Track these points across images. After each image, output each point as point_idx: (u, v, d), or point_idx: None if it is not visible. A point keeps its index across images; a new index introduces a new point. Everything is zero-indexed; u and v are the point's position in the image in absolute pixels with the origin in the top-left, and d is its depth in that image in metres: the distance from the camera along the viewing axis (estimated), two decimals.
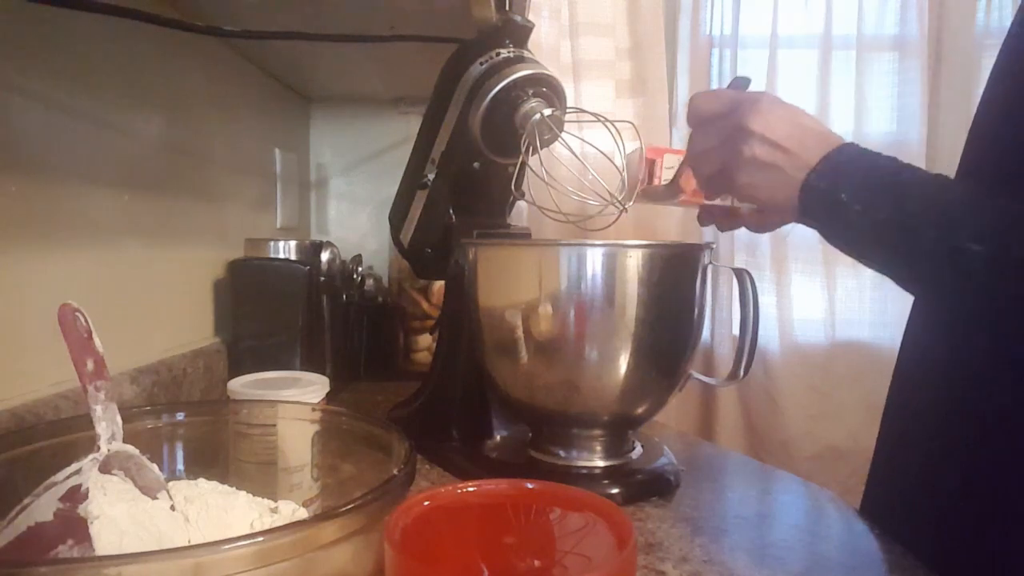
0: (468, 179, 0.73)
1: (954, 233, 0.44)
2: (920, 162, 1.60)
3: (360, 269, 1.06)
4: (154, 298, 0.78)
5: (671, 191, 0.66)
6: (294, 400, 0.57)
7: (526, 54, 0.70)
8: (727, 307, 1.61)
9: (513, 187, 0.74)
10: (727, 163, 0.54)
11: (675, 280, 0.59)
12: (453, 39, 0.79)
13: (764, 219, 0.65)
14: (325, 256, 0.92)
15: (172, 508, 0.40)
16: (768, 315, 1.62)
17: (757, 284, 0.58)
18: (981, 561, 0.52)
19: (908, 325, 0.63)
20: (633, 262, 0.56)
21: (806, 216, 0.52)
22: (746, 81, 0.59)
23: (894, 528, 0.55)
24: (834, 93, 1.64)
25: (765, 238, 1.58)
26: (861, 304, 1.62)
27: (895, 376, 0.65)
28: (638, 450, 0.65)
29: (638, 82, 1.55)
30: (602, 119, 0.64)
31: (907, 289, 0.51)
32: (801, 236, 1.54)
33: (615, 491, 0.59)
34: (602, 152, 0.68)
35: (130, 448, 0.41)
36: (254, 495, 0.45)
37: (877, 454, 0.66)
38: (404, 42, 0.84)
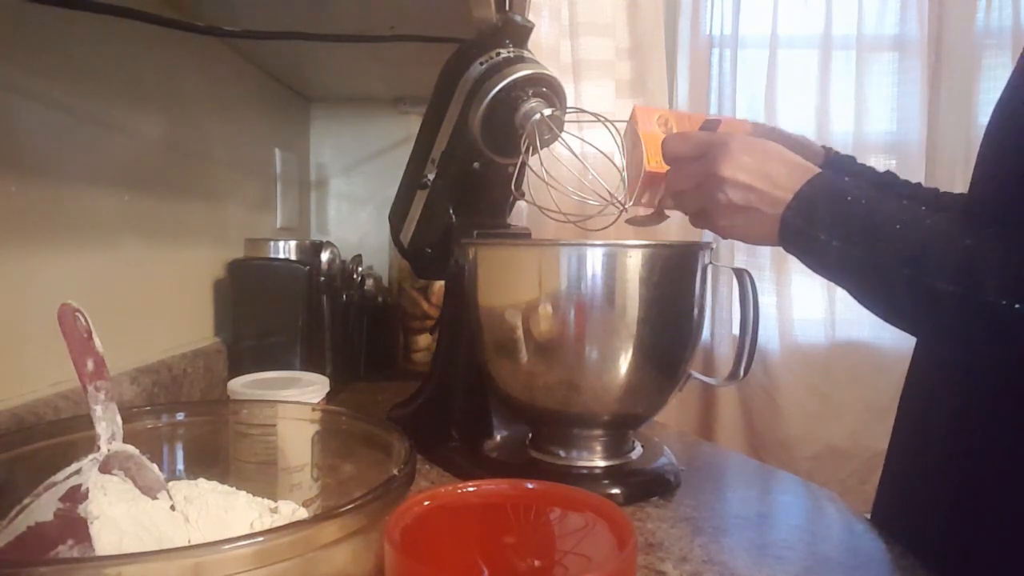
0: (468, 179, 0.73)
1: (928, 273, 0.45)
2: (920, 162, 1.60)
3: (360, 269, 1.06)
4: (154, 298, 0.78)
5: (657, 217, 0.67)
6: (294, 400, 0.57)
7: (526, 54, 0.70)
8: (727, 307, 1.61)
9: (513, 187, 0.74)
10: (705, 208, 0.57)
11: (675, 280, 0.59)
12: (453, 39, 0.79)
13: None
14: (325, 256, 0.92)
15: (172, 508, 0.40)
16: (768, 315, 1.62)
17: (757, 284, 0.58)
18: (995, 562, 0.52)
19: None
20: (633, 262, 0.56)
21: (787, 250, 0.54)
22: (716, 123, 0.61)
23: (907, 530, 0.55)
24: (834, 93, 1.64)
25: None
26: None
27: (907, 381, 0.65)
28: (638, 450, 0.65)
29: (638, 82, 1.55)
30: (602, 119, 0.64)
31: (888, 322, 0.52)
32: None
33: (615, 491, 0.59)
34: (602, 152, 0.67)
35: (130, 448, 0.41)
36: (254, 495, 0.45)
37: (889, 460, 0.66)
38: (404, 42, 0.84)
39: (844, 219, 0.50)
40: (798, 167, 0.54)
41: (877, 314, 0.52)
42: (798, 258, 0.54)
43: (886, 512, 0.64)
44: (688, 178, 0.57)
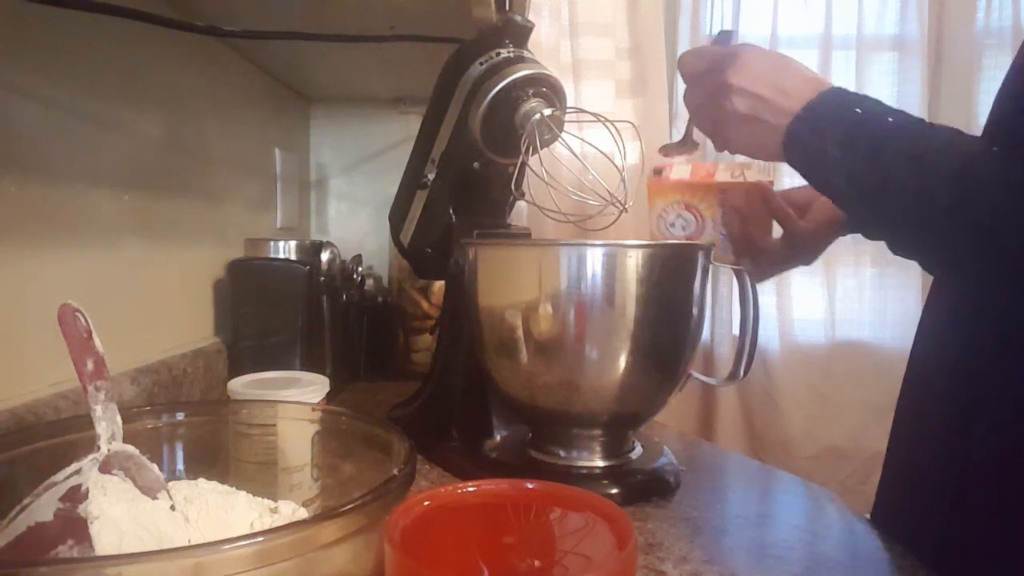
0: (468, 179, 0.73)
1: (926, 178, 0.45)
2: None
3: (360, 269, 1.06)
4: (154, 298, 0.78)
5: (686, 145, 0.66)
6: (294, 400, 0.57)
7: (526, 54, 0.70)
8: (727, 307, 1.61)
9: (513, 187, 0.74)
10: (715, 120, 0.56)
11: (675, 280, 0.59)
12: (453, 39, 0.79)
13: (761, 268, 0.67)
14: (325, 256, 0.92)
15: (172, 508, 0.40)
16: (768, 315, 1.62)
17: (757, 284, 0.58)
18: (995, 562, 0.52)
19: (919, 331, 0.63)
20: (633, 262, 0.56)
21: (790, 163, 0.53)
22: (729, 35, 0.60)
23: (907, 530, 0.55)
24: None
25: None
26: (861, 304, 1.62)
27: (905, 381, 0.65)
28: (638, 450, 0.65)
29: (638, 82, 1.55)
30: (602, 119, 0.64)
31: (885, 239, 0.52)
32: None
33: (615, 491, 0.59)
34: (602, 152, 0.68)
35: (130, 448, 0.41)
36: (254, 495, 0.45)
37: (888, 460, 0.66)
38: (404, 42, 0.84)
39: (852, 133, 0.48)
40: (811, 79, 0.52)
41: (874, 233, 0.51)
42: (800, 171, 0.53)
43: (886, 513, 0.64)
44: (701, 92, 0.56)
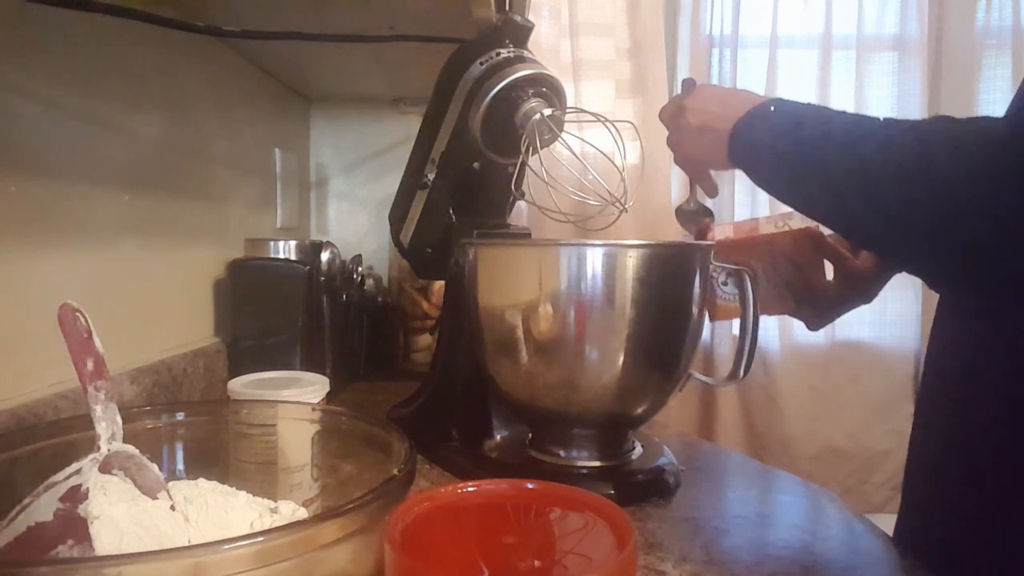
0: (468, 179, 0.73)
1: (855, 151, 0.48)
2: None
3: (360, 269, 1.06)
4: (154, 298, 0.78)
5: (698, 213, 0.73)
6: (294, 400, 0.57)
7: (526, 54, 0.70)
8: None
9: (513, 187, 0.74)
10: (677, 141, 0.65)
11: (675, 280, 0.59)
12: (453, 39, 0.79)
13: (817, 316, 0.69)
14: (325, 256, 0.92)
15: (172, 508, 0.40)
16: None
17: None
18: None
19: (931, 338, 0.62)
20: (633, 262, 0.56)
21: (734, 161, 0.58)
22: (692, 82, 0.68)
23: (931, 546, 0.54)
24: (834, 93, 1.64)
25: None
26: None
27: (922, 386, 0.64)
28: (638, 450, 0.65)
29: (638, 82, 1.55)
30: (602, 119, 0.64)
31: (842, 231, 0.54)
32: None
33: (615, 491, 0.59)
34: (602, 152, 0.68)
35: (130, 448, 0.41)
36: (254, 495, 0.45)
37: (909, 471, 0.64)
38: (404, 42, 0.84)
39: (789, 126, 0.53)
40: (758, 98, 0.58)
41: (823, 219, 0.54)
42: (744, 169, 0.57)
43: (907, 532, 0.62)
44: (671, 128, 0.65)
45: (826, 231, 0.66)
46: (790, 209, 0.59)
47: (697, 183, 0.71)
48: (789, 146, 0.52)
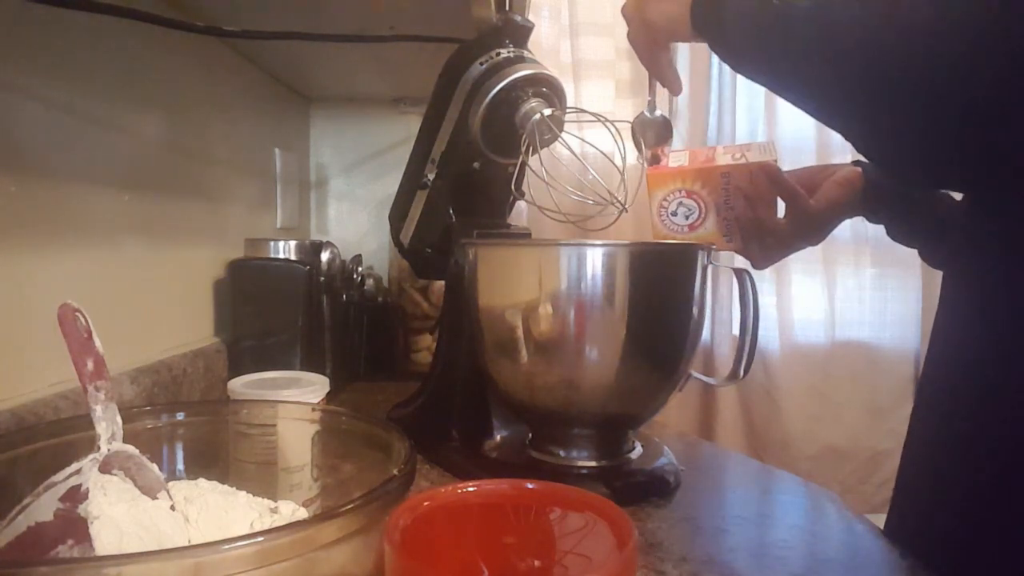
0: (468, 179, 0.73)
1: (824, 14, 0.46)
2: None
3: (360, 269, 1.06)
4: (154, 298, 0.78)
5: (661, 126, 0.69)
6: (294, 400, 0.57)
7: (526, 54, 0.70)
8: (727, 307, 1.60)
9: (513, 187, 0.74)
10: (639, 19, 0.61)
11: (675, 280, 0.59)
12: (453, 39, 0.79)
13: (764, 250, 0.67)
14: (325, 256, 0.92)
15: (172, 508, 0.40)
16: (768, 315, 1.62)
17: (757, 284, 0.58)
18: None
19: (932, 337, 0.62)
20: (633, 262, 0.56)
21: (696, 31, 0.57)
22: None
23: (922, 539, 0.55)
24: None
25: None
26: (861, 304, 1.62)
27: (922, 381, 0.63)
28: (638, 450, 0.65)
29: (638, 82, 1.55)
30: (602, 119, 0.64)
31: (792, 100, 0.53)
32: None
33: (615, 491, 0.59)
34: (602, 152, 0.68)
35: (130, 448, 0.41)
36: (254, 495, 0.45)
37: (903, 469, 0.64)
38: (404, 42, 0.85)
39: None
40: None
41: (781, 88, 0.53)
42: (708, 36, 0.56)
43: (900, 523, 0.62)
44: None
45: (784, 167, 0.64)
46: (749, 141, 0.58)
47: (657, 78, 0.66)
48: (748, 17, 0.51)
